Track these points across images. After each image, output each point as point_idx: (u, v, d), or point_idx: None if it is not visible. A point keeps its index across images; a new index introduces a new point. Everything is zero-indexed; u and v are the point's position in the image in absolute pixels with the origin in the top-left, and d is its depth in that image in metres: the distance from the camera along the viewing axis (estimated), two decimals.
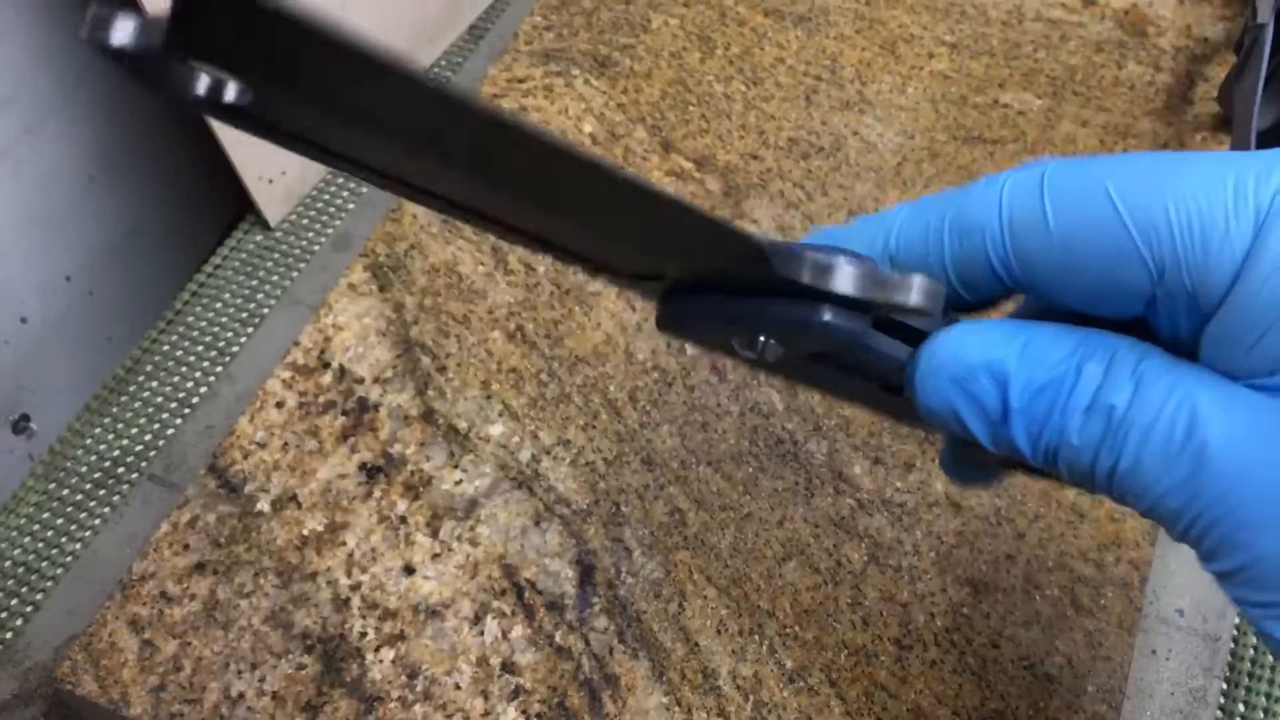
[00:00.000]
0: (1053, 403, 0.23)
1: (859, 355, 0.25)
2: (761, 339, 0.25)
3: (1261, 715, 0.45)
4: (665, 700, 0.40)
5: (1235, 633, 0.46)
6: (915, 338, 0.25)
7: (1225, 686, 0.45)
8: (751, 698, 0.40)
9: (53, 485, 0.50)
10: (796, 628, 0.41)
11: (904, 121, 0.55)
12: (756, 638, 0.41)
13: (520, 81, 0.57)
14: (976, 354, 0.24)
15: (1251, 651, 0.46)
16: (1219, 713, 0.45)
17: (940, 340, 0.25)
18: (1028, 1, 0.60)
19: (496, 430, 0.46)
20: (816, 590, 0.42)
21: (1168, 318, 0.23)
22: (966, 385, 0.24)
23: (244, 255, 0.56)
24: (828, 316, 0.23)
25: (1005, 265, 0.24)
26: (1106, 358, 0.23)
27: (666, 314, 0.27)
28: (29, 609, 0.46)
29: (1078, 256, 0.23)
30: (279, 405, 0.46)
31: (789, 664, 0.41)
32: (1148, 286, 0.23)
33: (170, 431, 0.51)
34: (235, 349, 0.53)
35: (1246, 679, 0.45)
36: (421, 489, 0.44)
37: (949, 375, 0.24)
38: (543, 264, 0.50)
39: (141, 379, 0.53)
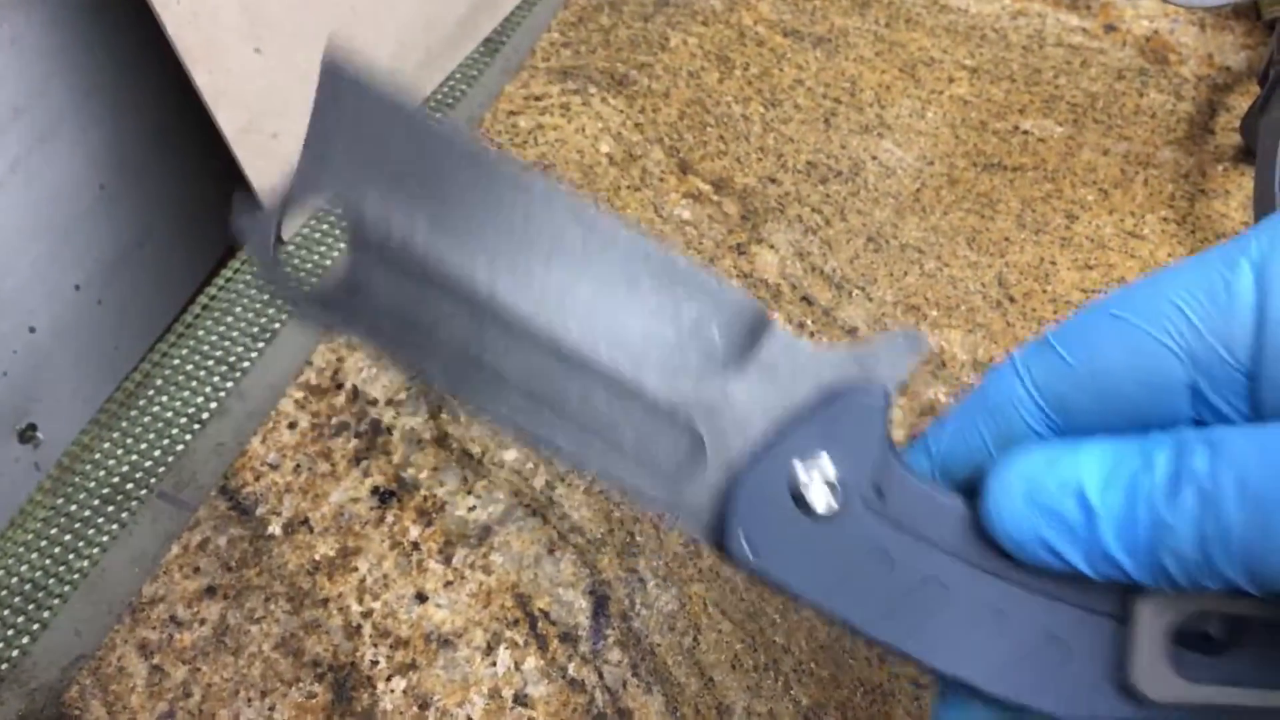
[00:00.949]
0: (1135, 490, 0.22)
1: None
2: None
3: None
4: None
5: None
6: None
7: None
8: None
9: (60, 500, 0.49)
10: (812, 664, 0.41)
11: (923, 147, 0.55)
12: (771, 673, 0.41)
13: (537, 99, 0.56)
14: (1045, 469, 0.23)
15: None
16: None
17: (1007, 465, 0.24)
18: (1049, 26, 0.60)
19: (510, 455, 0.46)
20: (833, 626, 0.42)
21: (1220, 397, 0.23)
22: (1043, 501, 0.23)
23: (256, 269, 0.56)
24: None
25: (1044, 421, 0.24)
26: (1174, 438, 0.22)
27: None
28: (36, 627, 0.45)
29: (1108, 378, 0.23)
30: (291, 426, 0.46)
31: (804, 701, 0.40)
32: (1181, 373, 0.22)
33: (180, 448, 0.50)
34: (246, 364, 0.53)
35: None
36: (434, 515, 0.44)
37: (1024, 497, 0.23)
38: None
39: (151, 393, 0.52)
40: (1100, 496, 0.22)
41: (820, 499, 0.24)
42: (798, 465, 0.24)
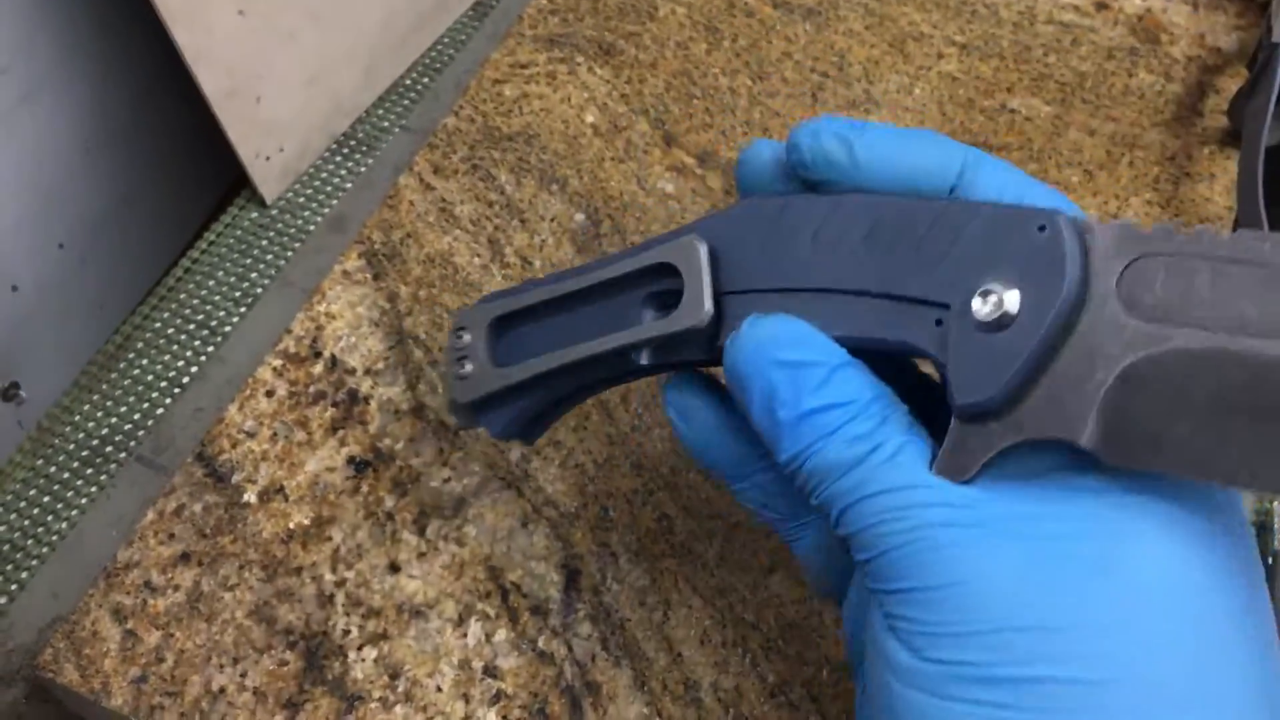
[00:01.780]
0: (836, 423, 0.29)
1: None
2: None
3: None
4: (646, 710, 0.40)
5: None
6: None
7: None
8: (732, 710, 0.40)
9: (40, 461, 0.49)
10: (780, 641, 0.41)
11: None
12: (740, 650, 0.41)
13: (523, 67, 0.56)
14: (812, 351, 0.30)
15: None
16: None
17: (775, 322, 0.30)
18: (1040, 3, 0.59)
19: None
20: (801, 604, 0.42)
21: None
22: (790, 372, 0.29)
23: (239, 233, 0.56)
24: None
25: None
26: (887, 409, 0.29)
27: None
28: (14, 588, 0.45)
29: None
30: (269, 394, 0.46)
31: (771, 678, 0.41)
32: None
33: (160, 412, 0.51)
34: (227, 329, 0.53)
35: None
36: (410, 485, 0.44)
37: (773, 358, 0.30)
38: (538, 258, 0.50)
39: (132, 355, 0.52)
40: (815, 401, 0.30)
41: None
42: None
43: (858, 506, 0.28)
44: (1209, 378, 0.25)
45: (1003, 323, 0.27)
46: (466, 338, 0.38)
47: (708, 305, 0.32)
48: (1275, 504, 0.49)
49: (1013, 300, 0.27)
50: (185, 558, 0.42)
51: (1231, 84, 0.55)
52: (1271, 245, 0.25)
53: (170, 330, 0.53)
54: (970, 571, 0.26)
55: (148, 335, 0.53)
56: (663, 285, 0.34)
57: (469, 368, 0.38)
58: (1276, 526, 0.48)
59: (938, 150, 0.31)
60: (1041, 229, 0.27)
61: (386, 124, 0.59)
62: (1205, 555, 0.26)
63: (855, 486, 0.28)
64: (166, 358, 0.52)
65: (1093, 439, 0.25)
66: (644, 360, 0.34)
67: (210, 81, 0.52)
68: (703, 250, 0.32)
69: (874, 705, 0.29)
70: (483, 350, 0.38)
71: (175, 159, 0.66)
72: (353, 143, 0.59)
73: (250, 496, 0.44)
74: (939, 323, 0.28)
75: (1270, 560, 0.48)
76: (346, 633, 0.41)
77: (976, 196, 0.30)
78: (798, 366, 0.29)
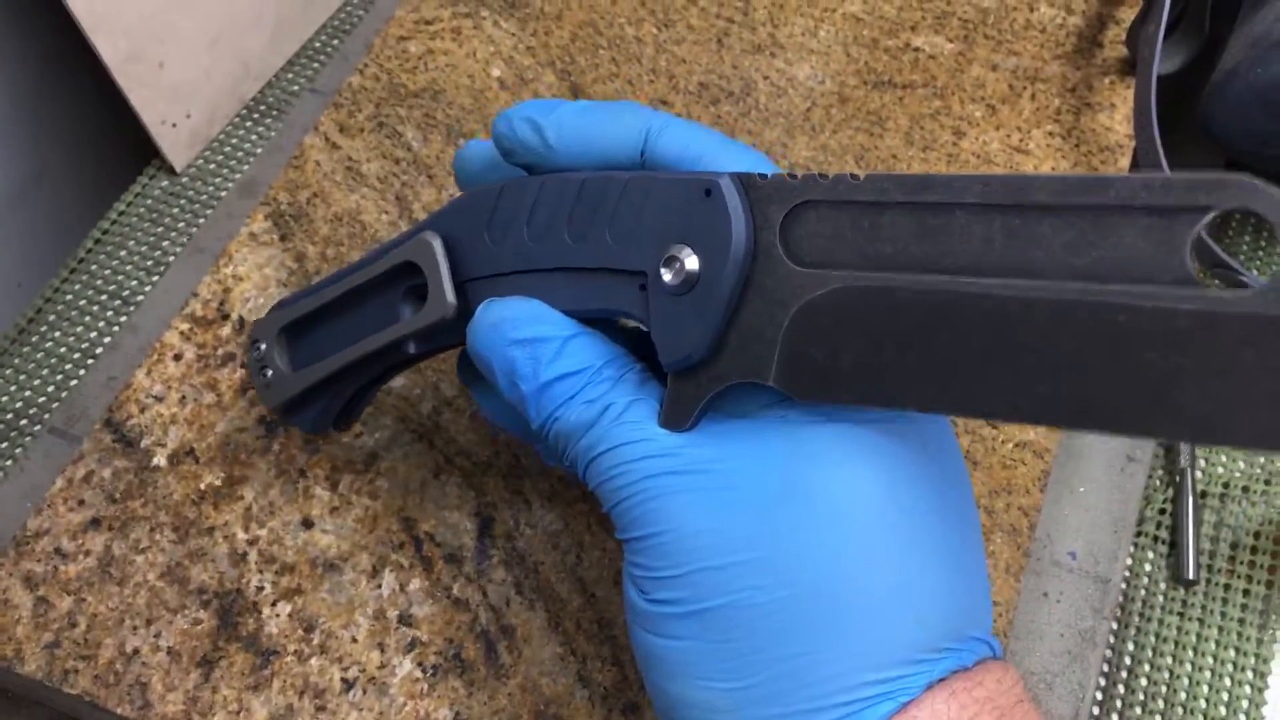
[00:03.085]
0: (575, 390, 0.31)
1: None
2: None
3: (1150, 655, 0.46)
4: (560, 650, 0.41)
5: (1126, 574, 0.47)
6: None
7: (1115, 626, 0.46)
8: None
9: None
10: None
11: (815, 65, 0.55)
12: None
13: (428, 24, 0.56)
14: (544, 327, 0.32)
15: (1142, 592, 0.47)
16: (1108, 652, 0.46)
17: (510, 304, 0.33)
18: None
19: (398, 382, 0.46)
20: None
21: None
22: (526, 349, 0.32)
23: (149, 202, 0.56)
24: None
25: None
26: (620, 373, 0.32)
27: None
28: None
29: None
30: (177, 358, 0.46)
31: None
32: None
33: (73, 383, 0.50)
34: (140, 298, 0.52)
35: (1136, 619, 0.47)
36: (321, 442, 0.44)
37: (509, 338, 0.32)
38: None
39: (44, 329, 0.52)
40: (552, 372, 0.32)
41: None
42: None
43: (595, 463, 0.31)
44: (861, 314, 0.27)
45: (689, 284, 0.29)
46: (263, 347, 0.41)
47: (450, 297, 0.34)
48: None
49: (693, 264, 0.29)
50: (95, 523, 0.42)
51: (1130, 14, 0.56)
52: (895, 185, 0.27)
53: (82, 302, 0.53)
54: (674, 517, 0.29)
55: (59, 308, 0.53)
56: (416, 280, 0.36)
57: (269, 374, 0.41)
58: (1183, 447, 0.49)
59: (622, 122, 0.33)
60: (708, 193, 0.29)
61: (296, 87, 0.59)
62: (893, 468, 0.29)
63: (591, 445, 0.31)
64: (79, 329, 0.52)
65: (778, 379, 0.28)
66: (412, 350, 0.37)
67: (109, 48, 0.51)
68: (437, 245, 0.35)
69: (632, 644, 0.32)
70: (278, 357, 0.41)
71: (86, 132, 0.65)
72: (262, 107, 0.58)
73: (160, 460, 0.44)
74: (643, 288, 0.31)
75: (1177, 479, 0.49)
76: (260, 589, 0.41)
77: (661, 163, 0.32)
78: (532, 343, 0.32)
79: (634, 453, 0.30)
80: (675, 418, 0.30)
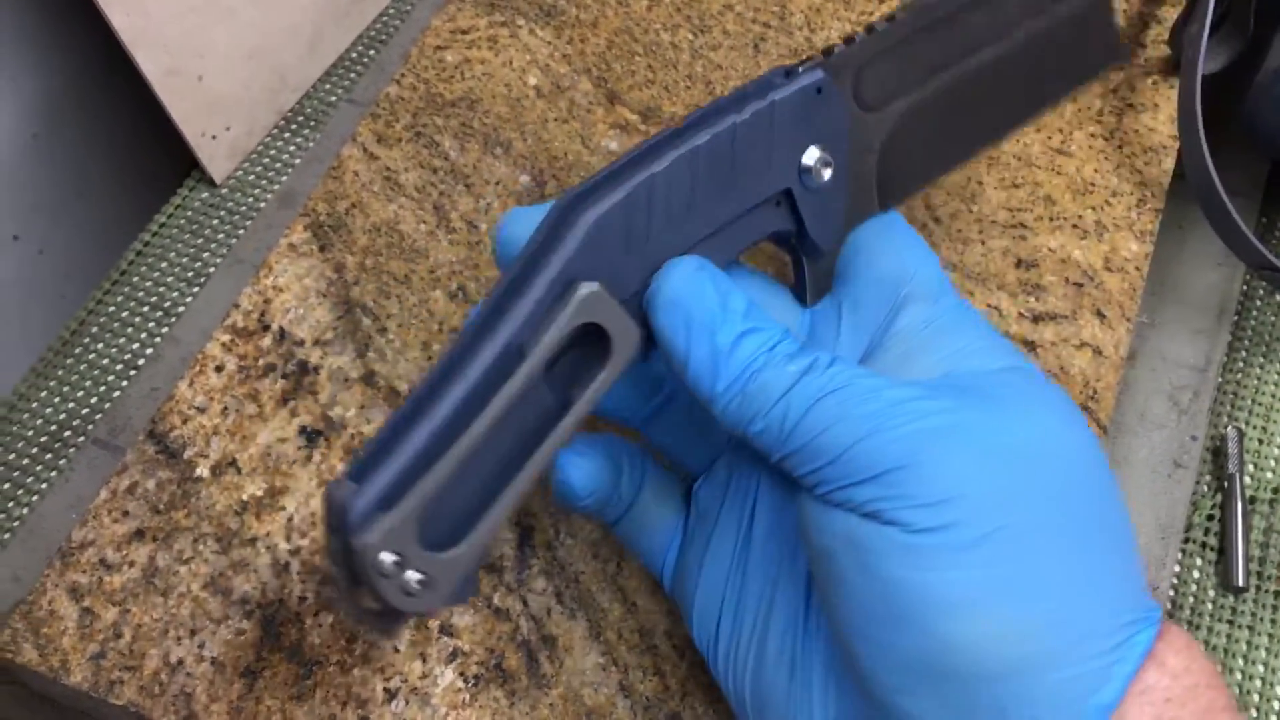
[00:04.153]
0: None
1: None
2: None
3: None
4: (602, 660, 0.41)
5: (1174, 581, 0.47)
6: None
7: None
8: (687, 656, 0.41)
9: None
10: None
11: None
12: None
13: (464, 33, 0.56)
14: (729, 298, 0.32)
15: (1191, 600, 0.46)
16: None
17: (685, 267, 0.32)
18: None
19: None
20: None
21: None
22: (720, 299, 0.32)
23: (189, 213, 0.56)
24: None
25: None
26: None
27: None
28: None
29: None
30: (219, 369, 0.46)
31: None
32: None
33: (116, 394, 0.51)
34: (180, 309, 0.53)
35: (1185, 627, 0.46)
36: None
37: (699, 291, 0.32)
38: (485, 221, 0.50)
39: (87, 341, 0.53)
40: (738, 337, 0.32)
41: None
42: None
43: (814, 412, 0.30)
44: (919, 120, 0.36)
45: (823, 174, 0.34)
46: (389, 558, 0.28)
47: (636, 333, 0.32)
48: (1229, 429, 0.49)
49: (824, 154, 0.34)
50: (140, 534, 0.43)
51: (1173, 13, 0.55)
52: (914, 16, 0.36)
53: (124, 314, 0.53)
54: (936, 443, 0.29)
55: (102, 320, 0.53)
56: (570, 351, 0.31)
57: (420, 578, 0.29)
58: (1231, 451, 0.49)
59: None
60: (819, 90, 0.34)
61: (334, 98, 0.59)
62: (1081, 422, 0.32)
63: (811, 395, 0.30)
64: (121, 340, 0.52)
65: (881, 203, 0.36)
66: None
67: (149, 62, 0.52)
68: (600, 288, 0.31)
69: (858, 612, 0.30)
70: (416, 550, 0.29)
71: (127, 145, 0.66)
72: (300, 118, 0.59)
73: (203, 471, 0.44)
74: (779, 203, 0.34)
75: (1225, 484, 0.48)
76: (303, 600, 0.42)
77: None
78: (725, 295, 0.31)
79: (869, 388, 0.30)
80: (816, 295, 0.36)
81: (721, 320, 0.31)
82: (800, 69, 0.34)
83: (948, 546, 0.28)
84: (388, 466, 0.28)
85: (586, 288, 0.30)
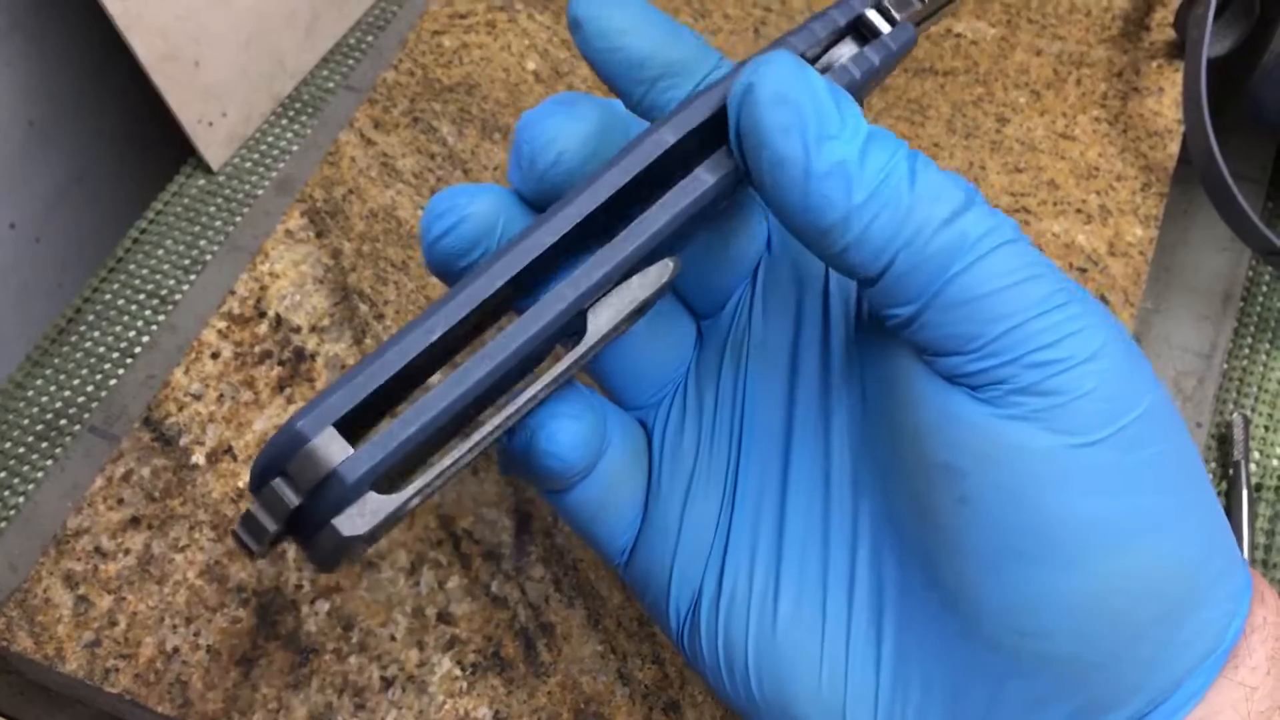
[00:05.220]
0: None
1: None
2: None
3: None
4: (600, 648, 0.40)
5: None
6: None
7: None
8: None
9: None
10: None
11: None
12: None
13: (462, 17, 0.56)
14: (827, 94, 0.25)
15: None
16: None
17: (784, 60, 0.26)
18: None
19: (435, 379, 0.45)
20: None
21: None
22: (834, 94, 0.25)
23: (186, 200, 0.56)
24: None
25: None
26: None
27: None
28: None
29: None
30: (214, 356, 0.46)
31: None
32: None
33: (112, 382, 0.50)
34: (177, 297, 0.52)
35: None
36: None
37: (807, 82, 0.25)
38: None
39: (83, 329, 0.52)
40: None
41: None
42: None
43: (997, 256, 0.24)
44: None
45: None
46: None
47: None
48: (1235, 416, 0.49)
49: None
50: (135, 522, 0.42)
51: None
52: None
53: (120, 301, 0.53)
54: (1115, 348, 0.25)
55: (98, 308, 0.53)
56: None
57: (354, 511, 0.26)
58: (1237, 437, 0.48)
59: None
60: None
61: (331, 84, 0.59)
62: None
63: (985, 228, 0.25)
64: (118, 329, 0.52)
65: None
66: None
67: (145, 48, 0.51)
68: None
69: (993, 547, 0.25)
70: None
71: (125, 133, 0.65)
72: (298, 105, 0.58)
73: (198, 458, 0.44)
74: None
75: (1230, 471, 0.48)
76: (299, 587, 0.41)
77: None
78: (834, 89, 0.25)
79: (1046, 260, 0.25)
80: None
81: (839, 120, 0.24)
82: None
83: (1122, 467, 0.24)
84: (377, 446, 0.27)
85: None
